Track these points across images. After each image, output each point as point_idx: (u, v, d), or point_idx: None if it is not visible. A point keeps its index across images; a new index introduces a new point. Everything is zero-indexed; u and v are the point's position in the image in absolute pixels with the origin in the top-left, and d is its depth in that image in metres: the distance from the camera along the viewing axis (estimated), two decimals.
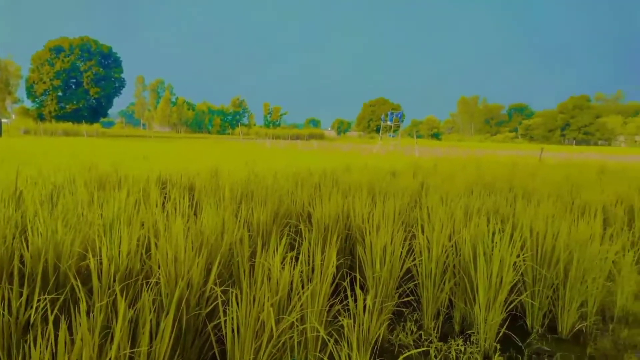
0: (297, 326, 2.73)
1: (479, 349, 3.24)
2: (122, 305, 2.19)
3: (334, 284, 3.52)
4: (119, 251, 3.01)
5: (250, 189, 5.70)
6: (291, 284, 2.93)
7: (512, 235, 3.56)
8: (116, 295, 2.42)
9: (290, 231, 4.60)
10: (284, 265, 2.95)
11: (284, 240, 3.42)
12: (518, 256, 3.60)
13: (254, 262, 3.17)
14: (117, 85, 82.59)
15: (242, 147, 26.01)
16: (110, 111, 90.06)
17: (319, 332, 2.75)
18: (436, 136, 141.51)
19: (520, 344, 3.39)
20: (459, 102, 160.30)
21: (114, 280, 2.79)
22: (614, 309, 3.95)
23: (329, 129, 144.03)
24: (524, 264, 3.72)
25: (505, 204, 5.16)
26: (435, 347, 3.21)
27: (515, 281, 3.64)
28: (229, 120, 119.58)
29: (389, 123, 46.60)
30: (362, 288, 3.58)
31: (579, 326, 3.65)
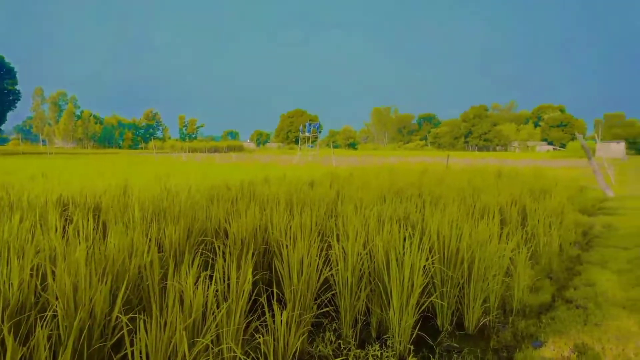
0: (212, 348, 2.63)
1: (394, 352, 3.34)
2: (10, 344, 1.97)
3: (251, 301, 3.46)
4: (9, 283, 2.70)
5: (163, 206, 5.45)
6: (206, 304, 2.83)
7: (421, 240, 3.75)
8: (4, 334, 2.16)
9: (205, 249, 4.45)
10: (197, 285, 2.84)
11: (197, 259, 3.30)
12: (427, 260, 3.80)
13: (166, 284, 3.02)
14: (10, 98, 74.94)
15: (156, 162, 24.82)
16: (3, 127, 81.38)
17: (236, 352, 2.67)
18: (352, 146, 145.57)
19: (432, 343, 3.56)
20: (373, 112, 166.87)
21: (2, 317, 2.50)
22: (513, 302, 4.29)
23: (248, 140, 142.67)
24: (433, 267, 3.93)
25: (415, 210, 5.43)
26: (354, 355, 3.26)
27: (425, 284, 3.83)
28: (142, 134, 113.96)
29: (307, 134, 47.25)
30: (281, 302, 3.55)
31: (483, 321, 3.91)
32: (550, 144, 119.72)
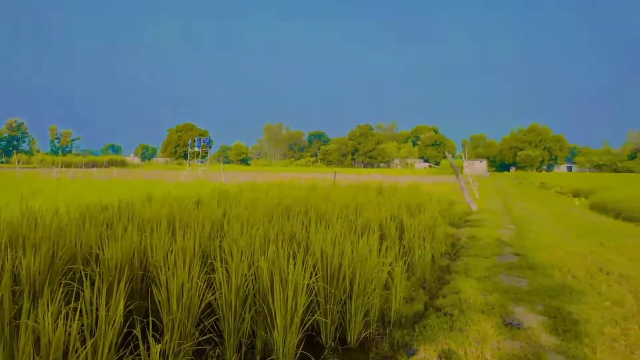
0: None
1: None
2: None
3: (124, 333, 3.19)
4: None
5: (22, 230, 4.81)
6: (69, 342, 2.54)
7: (304, 259, 3.81)
8: None
9: (73, 278, 4.01)
10: (58, 321, 2.54)
11: (61, 290, 2.96)
12: (311, 278, 3.86)
13: (20, 322, 2.65)
14: None
15: (19, 179, 21.99)
16: None
17: None
18: (245, 161, 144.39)
19: None
20: (265, 128, 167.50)
21: None
22: (391, 314, 4.55)
23: (132, 155, 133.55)
24: (317, 285, 4.00)
25: (301, 228, 5.51)
26: None
27: (309, 302, 3.89)
28: (3, 147, 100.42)
29: (196, 149, 45.73)
30: (159, 331, 3.32)
31: (364, 334, 4.07)
32: (426, 161, 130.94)
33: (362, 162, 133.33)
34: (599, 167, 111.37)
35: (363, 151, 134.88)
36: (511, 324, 4.17)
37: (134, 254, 4.27)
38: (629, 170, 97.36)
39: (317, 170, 75.56)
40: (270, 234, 4.96)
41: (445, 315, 4.48)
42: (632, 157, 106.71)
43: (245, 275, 3.79)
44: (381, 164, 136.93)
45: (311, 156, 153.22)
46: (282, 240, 4.61)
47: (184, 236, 4.57)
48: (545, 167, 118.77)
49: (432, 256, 6.74)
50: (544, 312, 4.53)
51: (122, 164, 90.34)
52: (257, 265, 3.93)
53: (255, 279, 3.91)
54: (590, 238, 9.09)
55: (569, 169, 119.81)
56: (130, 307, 3.78)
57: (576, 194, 23.16)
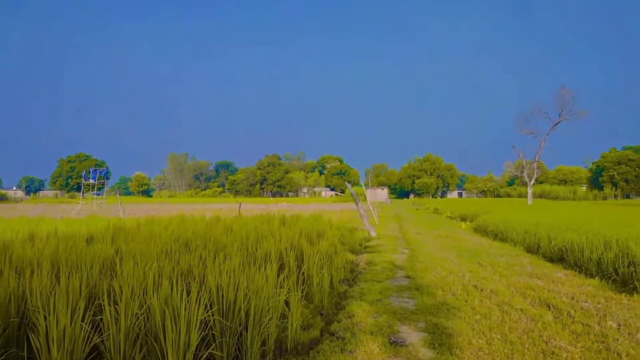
0: None
1: None
2: None
3: None
4: None
5: None
6: None
7: (199, 293, 3.83)
8: None
9: None
10: None
11: None
12: (206, 313, 3.88)
13: None
14: None
15: None
16: None
17: None
18: (147, 193, 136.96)
19: None
20: (169, 158, 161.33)
21: None
22: (288, 342, 4.67)
23: (15, 188, 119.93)
24: (212, 319, 4.02)
25: (199, 262, 5.48)
26: None
27: (204, 336, 3.89)
28: None
29: (91, 181, 42.54)
30: None
31: None
32: (332, 189, 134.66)
33: (271, 192, 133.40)
34: (484, 193, 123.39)
35: (271, 180, 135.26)
36: (396, 342, 4.53)
37: (10, 300, 3.95)
38: (508, 195, 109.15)
39: (224, 201, 74.08)
40: (165, 270, 4.87)
41: (338, 339, 4.72)
42: (510, 183, 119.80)
43: (137, 314, 3.70)
44: (290, 193, 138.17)
45: (218, 186, 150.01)
46: (177, 276, 4.56)
47: (69, 277, 4.33)
48: (439, 193, 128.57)
49: (331, 283, 7.03)
50: (425, 328, 4.97)
51: (3, 198, 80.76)
52: (150, 303, 3.86)
53: (147, 317, 3.83)
54: (470, 258, 10.08)
55: (460, 194, 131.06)
56: (4, 358, 3.49)
57: (463, 218, 25.43)
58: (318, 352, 4.39)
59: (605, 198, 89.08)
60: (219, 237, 7.67)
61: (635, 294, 6.32)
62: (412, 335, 4.79)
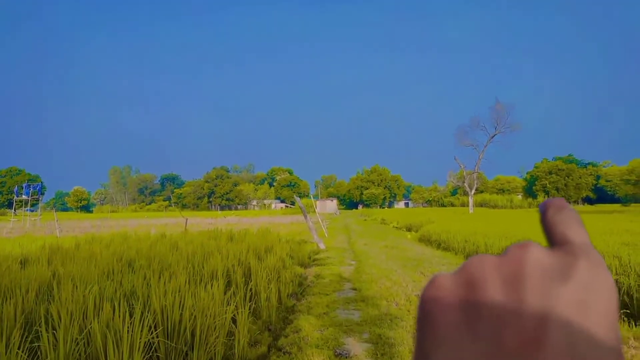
0: None
1: None
2: None
3: None
4: None
5: None
6: None
7: (142, 315, 3.79)
8: None
9: None
10: None
11: None
12: (150, 334, 3.84)
13: None
14: None
15: None
16: None
17: None
18: (86, 208, 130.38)
19: None
20: (111, 172, 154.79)
21: None
22: (234, 359, 4.69)
23: None
24: (157, 340, 3.99)
25: (142, 282, 5.38)
26: None
27: (148, 358, 3.85)
28: None
29: (24, 197, 39.95)
30: None
31: None
32: (282, 201, 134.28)
33: (220, 205, 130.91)
34: (429, 203, 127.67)
35: (220, 193, 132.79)
36: (341, 354, 4.67)
37: None
38: (452, 205, 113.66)
39: (171, 215, 71.86)
40: (106, 292, 4.76)
41: (284, 354, 4.80)
42: (453, 193, 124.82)
43: (76, 339, 3.61)
44: (239, 206, 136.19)
45: (164, 200, 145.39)
46: (120, 298, 4.47)
47: (3, 303, 4.14)
48: (387, 203, 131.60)
49: (279, 297, 7.09)
50: (369, 339, 5.16)
51: None
52: (90, 327, 3.78)
53: (88, 342, 3.74)
54: (414, 268, 10.48)
55: (406, 204, 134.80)
56: None
57: (409, 228, 26.26)
58: None
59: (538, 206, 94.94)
60: (164, 255, 7.53)
61: None
62: (356, 346, 4.95)
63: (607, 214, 31.62)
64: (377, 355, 4.61)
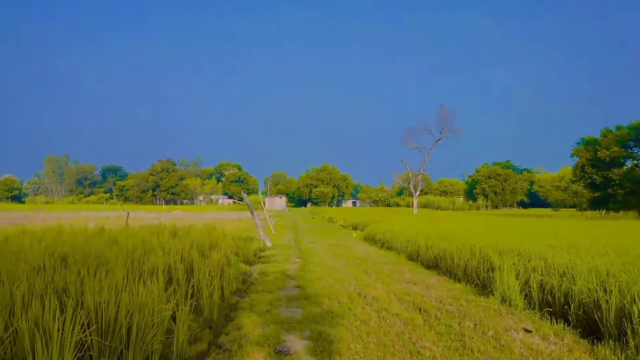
0: None
1: None
2: None
3: None
4: None
5: None
6: None
7: (75, 312, 3.64)
8: None
9: None
10: None
11: None
12: (83, 332, 3.70)
13: None
14: None
15: None
16: None
17: None
18: (18, 198, 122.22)
19: None
20: (46, 161, 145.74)
21: None
22: (173, 357, 4.61)
23: None
24: (89, 338, 3.85)
25: (77, 278, 5.15)
26: None
27: (80, 357, 3.71)
28: None
29: None
30: None
31: None
32: (230, 197, 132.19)
33: (164, 199, 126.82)
34: (376, 202, 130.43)
35: (165, 187, 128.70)
36: (281, 351, 4.72)
37: None
38: (397, 205, 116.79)
39: (111, 209, 68.84)
40: (36, 289, 4.52)
41: (225, 351, 4.78)
42: (399, 193, 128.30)
43: (1, 338, 3.42)
44: (185, 200, 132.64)
45: (105, 192, 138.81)
46: (51, 295, 4.27)
47: None
48: (335, 202, 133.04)
49: (222, 295, 7.02)
50: (309, 337, 5.24)
51: None
52: (17, 326, 3.58)
53: (14, 341, 3.55)
54: (357, 266, 10.72)
55: (354, 203, 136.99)
56: None
57: (355, 227, 26.75)
58: None
59: (478, 208, 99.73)
60: (101, 251, 7.23)
61: (491, 297, 7.27)
62: (296, 343, 5.02)
63: (538, 218, 33.76)
64: (316, 352, 4.70)
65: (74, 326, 3.52)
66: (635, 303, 4.96)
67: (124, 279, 5.14)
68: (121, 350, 4.06)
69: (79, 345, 3.68)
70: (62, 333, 3.43)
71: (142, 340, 4.15)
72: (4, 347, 3.44)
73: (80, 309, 3.95)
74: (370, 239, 18.48)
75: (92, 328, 3.91)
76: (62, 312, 3.77)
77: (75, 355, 3.55)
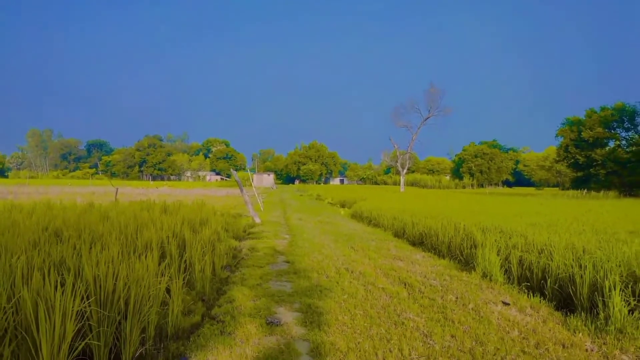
0: None
1: None
2: None
3: None
4: None
5: None
6: None
7: (74, 285, 3.78)
8: None
9: None
10: None
11: None
12: (82, 303, 3.85)
13: None
14: None
15: None
16: None
17: None
18: (1, 173, 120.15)
19: None
20: (29, 134, 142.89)
21: None
22: (168, 328, 4.80)
23: None
24: (89, 309, 4.00)
25: (73, 253, 5.28)
26: None
27: (80, 327, 3.87)
28: None
29: None
30: None
31: (140, 350, 4.24)
32: (218, 173, 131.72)
33: (151, 175, 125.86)
34: (363, 180, 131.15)
35: (152, 163, 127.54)
36: (272, 322, 4.94)
37: None
38: (385, 183, 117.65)
39: (97, 184, 68.21)
40: (35, 262, 4.64)
41: (218, 322, 4.99)
42: (386, 172, 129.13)
43: (4, 308, 3.56)
44: (172, 176, 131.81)
45: (90, 167, 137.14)
46: (49, 268, 4.40)
47: None
48: (323, 180, 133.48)
49: (213, 269, 7.21)
50: (299, 309, 5.48)
51: None
52: (19, 296, 3.72)
53: (17, 311, 3.69)
54: (345, 243, 10.99)
55: (342, 181, 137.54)
56: None
57: (343, 205, 27.05)
58: (198, 335, 4.62)
59: (464, 187, 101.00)
60: (94, 226, 7.34)
61: (473, 272, 7.58)
62: (287, 315, 5.25)
63: (522, 197, 34.45)
64: (306, 323, 4.94)
65: (74, 297, 3.67)
66: (607, 278, 5.27)
67: (119, 254, 5.28)
68: (119, 320, 4.24)
69: (79, 315, 3.84)
70: (63, 303, 3.58)
71: (139, 311, 4.32)
72: (6, 316, 3.58)
73: (80, 282, 4.09)
74: (358, 216, 18.77)
75: (91, 300, 4.06)
76: (61, 284, 3.91)
77: (76, 325, 3.70)
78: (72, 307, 3.63)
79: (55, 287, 3.72)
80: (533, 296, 6.17)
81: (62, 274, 4.39)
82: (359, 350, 4.17)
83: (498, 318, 5.20)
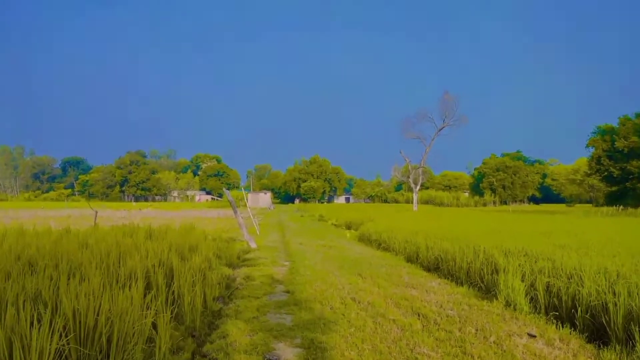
0: None
1: None
2: None
3: None
4: None
5: None
6: None
7: (51, 320, 3.86)
8: None
9: None
10: None
11: None
12: (61, 340, 3.92)
13: None
14: None
15: None
16: None
17: None
18: None
19: None
20: None
21: None
22: None
23: None
24: (68, 347, 4.06)
25: (49, 285, 5.35)
26: None
27: None
28: None
29: None
30: None
31: None
32: (209, 193, 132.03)
33: (134, 195, 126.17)
34: (372, 198, 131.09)
35: (134, 182, 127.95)
36: (270, 359, 4.98)
37: None
38: (396, 201, 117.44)
39: (74, 206, 68.43)
40: (8, 295, 4.72)
41: None
42: (397, 188, 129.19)
43: None
44: (157, 197, 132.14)
45: (66, 188, 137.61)
46: (24, 302, 4.47)
47: None
48: (326, 198, 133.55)
49: (204, 301, 7.25)
50: (300, 344, 5.52)
51: None
52: None
53: None
54: (351, 269, 11.02)
55: (347, 200, 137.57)
56: None
57: (348, 226, 27.10)
58: None
59: (485, 204, 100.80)
60: (72, 254, 7.43)
61: (494, 300, 7.60)
62: (287, 351, 5.29)
63: (549, 214, 34.43)
64: (308, 359, 4.97)
65: (52, 334, 3.74)
66: None
67: (100, 285, 5.35)
68: (101, 359, 4.29)
69: (57, 354, 3.90)
70: (40, 341, 3.64)
71: (122, 349, 4.38)
72: None
73: (57, 317, 4.16)
74: (366, 239, 18.81)
75: (70, 336, 4.13)
76: (38, 320, 3.98)
77: None
78: (50, 345, 3.70)
79: (31, 323, 3.79)
80: (562, 327, 6.18)
81: (38, 309, 4.46)
82: None
83: (523, 352, 5.22)
